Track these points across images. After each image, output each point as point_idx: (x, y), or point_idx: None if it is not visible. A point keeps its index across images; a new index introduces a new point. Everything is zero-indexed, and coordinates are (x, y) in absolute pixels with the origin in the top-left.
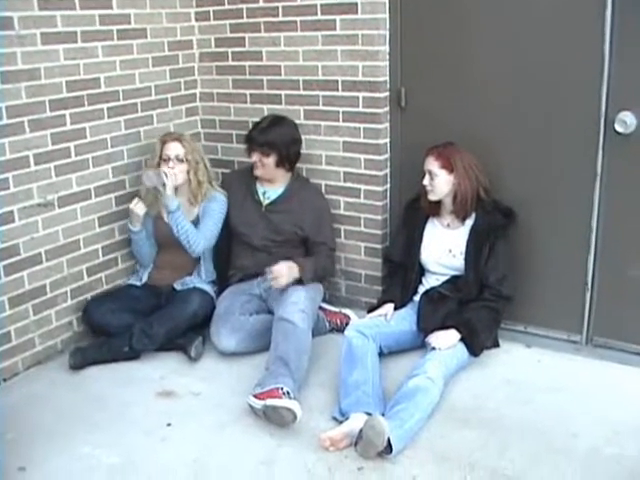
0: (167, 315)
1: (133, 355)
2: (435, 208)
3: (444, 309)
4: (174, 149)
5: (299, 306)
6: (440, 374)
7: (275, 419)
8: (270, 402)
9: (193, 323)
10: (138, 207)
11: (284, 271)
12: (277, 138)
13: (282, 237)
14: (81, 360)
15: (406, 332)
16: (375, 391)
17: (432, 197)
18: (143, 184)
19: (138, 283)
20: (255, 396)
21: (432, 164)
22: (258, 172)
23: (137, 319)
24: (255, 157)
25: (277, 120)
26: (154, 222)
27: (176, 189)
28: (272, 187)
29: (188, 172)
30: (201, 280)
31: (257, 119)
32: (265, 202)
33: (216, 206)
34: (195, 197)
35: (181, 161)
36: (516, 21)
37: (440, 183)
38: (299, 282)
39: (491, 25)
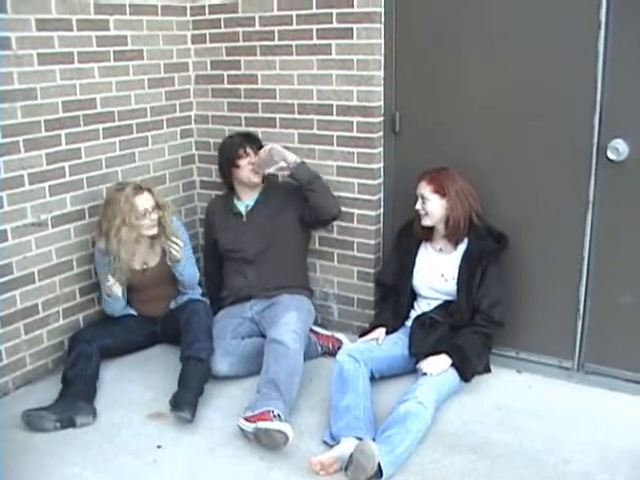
0: (191, 333)
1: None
2: (428, 233)
3: (436, 334)
4: (146, 201)
5: (291, 327)
6: (431, 399)
7: (266, 442)
8: (262, 425)
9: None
10: (115, 288)
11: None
12: (258, 139)
13: (273, 240)
14: (192, 410)
15: (398, 357)
16: (366, 416)
17: (425, 222)
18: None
19: (133, 312)
20: (246, 419)
21: (424, 188)
22: (256, 178)
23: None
24: (253, 157)
25: (244, 132)
26: (129, 278)
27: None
28: (249, 196)
29: (159, 220)
30: (195, 293)
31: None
32: (245, 211)
33: (180, 234)
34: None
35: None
36: (510, 49)
37: (432, 208)
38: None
39: (485, 52)
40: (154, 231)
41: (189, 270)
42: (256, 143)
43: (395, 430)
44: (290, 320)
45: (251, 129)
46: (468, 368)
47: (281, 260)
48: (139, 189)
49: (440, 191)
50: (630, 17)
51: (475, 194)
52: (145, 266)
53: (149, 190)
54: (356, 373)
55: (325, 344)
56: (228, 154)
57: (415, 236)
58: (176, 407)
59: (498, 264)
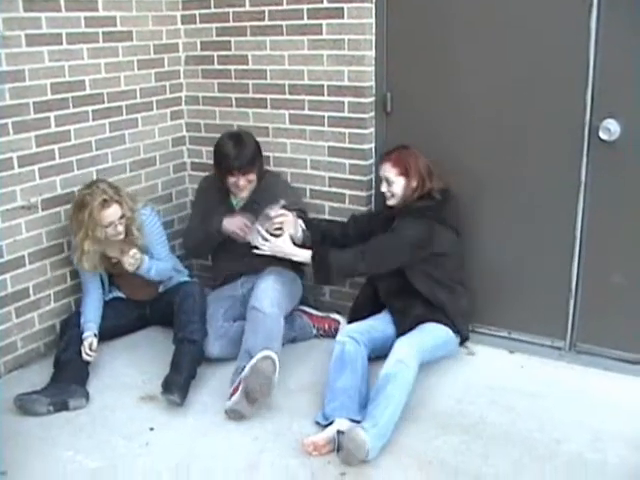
0: (184, 315)
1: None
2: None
3: (414, 311)
4: (113, 214)
5: (268, 291)
6: (411, 355)
7: (257, 382)
8: (245, 372)
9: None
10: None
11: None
12: (251, 155)
13: None
14: (182, 394)
15: (391, 337)
16: (361, 398)
17: (391, 202)
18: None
19: (122, 295)
20: (229, 398)
21: (389, 171)
22: (244, 193)
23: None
24: (242, 181)
25: (238, 139)
26: (112, 268)
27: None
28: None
29: (127, 226)
30: (182, 275)
31: (241, 123)
32: (237, 207)
33: (150, 226)
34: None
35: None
36: (502, 29)
37: (398, 189)
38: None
39: (477, 32)
40: (120, 237)
41: (158, 267)
42: (246, 165)
43: (376, 402)
44: (267, 286)
45: (242, 110)
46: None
47: None
48: (106, 203)
49: (404, 173)
50: None
51: (438, 171)
52: (115, 261)
53: (118, 202)
54: (356, 354)
55: (320, 325)
56: (217, 166)
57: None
58: (167, 390)
59: (417, 219)
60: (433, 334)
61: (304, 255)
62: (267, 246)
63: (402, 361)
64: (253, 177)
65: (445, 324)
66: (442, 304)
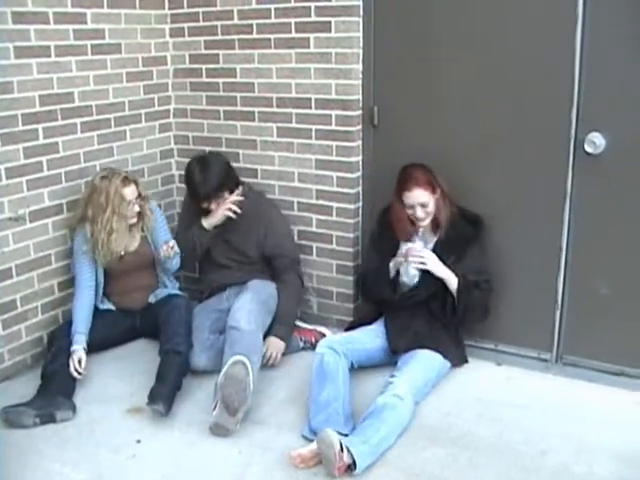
0: (170, 327)
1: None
2: (410, 232)
3: (412, 329)
4: (132, 192)
5: (244, 309)
6: (408, 391)
7: (231, 389)
8: (218, 379)
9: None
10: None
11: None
12: (217, 183)
13: (243, 255)
14: (167, 405)
15: (378, 349)
16: (345, 409)
17: (426, 222)
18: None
19: (112, 307)
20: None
21: (423, 196)
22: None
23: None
24: (213, 205)
25: (204, 164)
26: (109, 267)
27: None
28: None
29: (141, 207)
30: (173, 287)
31: (229, 136)
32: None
33: (158, 216)
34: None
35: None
36: (488, 42)
37: (432, 208)
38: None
39: (464, 46)
40: (135, 220)
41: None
42: (211, 193)
43: (370, 422)
44: (244, 303)
45: (230, 123)
46: (467, 296)
47: (252, 265)
48: (127, 180)
49: (433, 190)
50: (606, 10)
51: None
52: (122, 253)
53: (135, 182)
54: (336, 365)
55: (307, 338)
56: (189, 192)
57: (398, 236)
58: (152, 401)
59: (478, 244)
60: (427, 367)
61: (453, 281)
62: (427, 257)
63: (399, 396)
64: (222, 202)
65: (441, 352)
66: (444, 329)
